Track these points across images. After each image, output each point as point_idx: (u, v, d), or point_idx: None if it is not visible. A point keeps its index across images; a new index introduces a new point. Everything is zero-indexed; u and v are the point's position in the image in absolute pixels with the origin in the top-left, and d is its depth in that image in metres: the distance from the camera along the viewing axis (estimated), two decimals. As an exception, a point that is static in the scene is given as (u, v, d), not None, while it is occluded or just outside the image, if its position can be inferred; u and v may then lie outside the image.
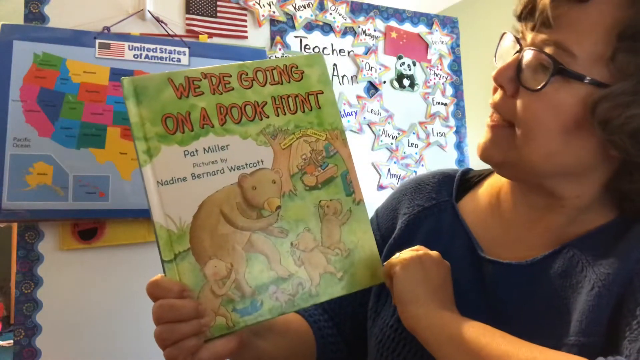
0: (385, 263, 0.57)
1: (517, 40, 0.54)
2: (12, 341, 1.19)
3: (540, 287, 0.53)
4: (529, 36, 0.53)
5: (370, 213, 0.62)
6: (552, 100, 0.50)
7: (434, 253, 0.57)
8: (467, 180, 0.69)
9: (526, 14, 0.54)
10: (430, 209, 0.66)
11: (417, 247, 0.58)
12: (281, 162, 0.55)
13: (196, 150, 0.52)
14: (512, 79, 0.53)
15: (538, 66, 0.51)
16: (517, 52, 0.53)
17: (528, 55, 0.52)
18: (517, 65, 0.53)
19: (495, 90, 0.56)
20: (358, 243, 0.58)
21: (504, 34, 0.57)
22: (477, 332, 0.47)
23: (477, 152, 0.58)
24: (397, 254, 0.57)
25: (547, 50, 0.50)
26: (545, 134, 0.51)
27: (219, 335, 0.51)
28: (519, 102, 0.52)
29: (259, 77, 0.56)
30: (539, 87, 0.50)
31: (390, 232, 0.69)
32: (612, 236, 0.52)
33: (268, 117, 0.55)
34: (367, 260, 0.58)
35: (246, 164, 0.54)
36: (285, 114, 0.56)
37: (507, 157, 0.54)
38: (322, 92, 0.58)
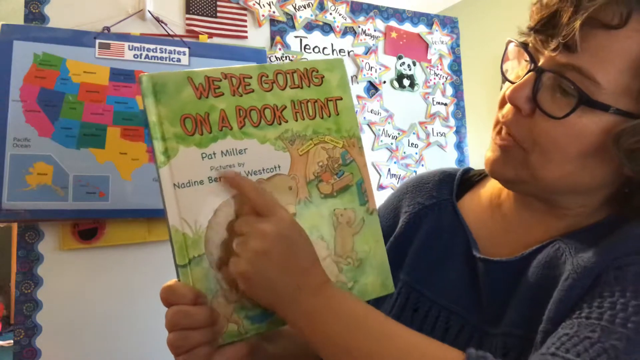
0: (232, 272, 0.49)
1: (530, 55, 0.52)
2: (12, 341, 1.19)
3: (525, 280, 0.53)
4: (545, 53, 0.50)
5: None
6: (573, 127, 0.48)
7: (264, 229, 0.48)
8: (468, 180, 0.69)
9: (541, 28, 0.51)
10: (431, 207, 0.67)
11: (242, 223, 0.49)
12: (298, 168, 0.54)
13: (214, 153, 0.51)
14: (528, 99, 0.51)
15: (557, 89, 0.49)
16: (531, 70, 0.51)
17: (547, 78, 0.50)
18: (533, 84, 0.50)
19: (502, 104, 0.55)
20: (369, 253, 0.57)
21: (509, 42, 0.55)
22: (346, 326, 0.46)
23: (486, 167, 0.57)
24: (235, 245, 0.49)
25: (569, 75, 0.48)
26: (563, 158, 0.50)
27: (231, 341, 0.50)
28: (536, 125, 0.51)
29: (279, 80, 0.54)
30: (562, 115, 0.48)
31: (392, 230, 0.69)
32: (600, 233, 0.52)
33: (287, 121, 0.54)
34: (378, 270, 0.58)
35: (263, 169, 0.53)
36: (304, 119, 0.55)
37: (518, 175, 0.53)
38: (341, 99, 0.57)
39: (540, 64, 0.51)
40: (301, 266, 0.49)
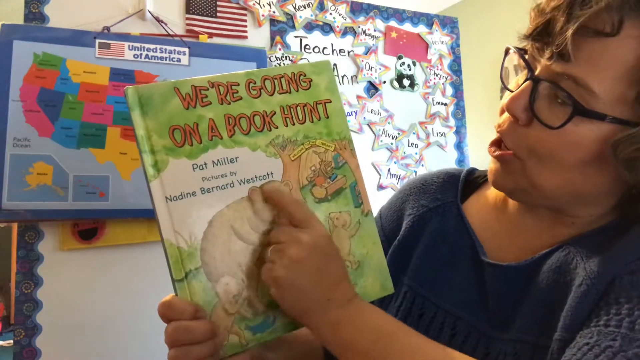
0: (264, 278, 0.51)
1: (527, 63, 0.51)
2: (12, 341, 1.19)
3: (535, 285, 0.53)
4: (542, 61, 0.50)
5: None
6: (570, 137, 0.48)
7: (303, 239, 0.49)
8: (472, 181, 0.69)
9: (536, 35, 0.50)
10: (435, 210, 0.66)
11: (282, 232, 0.51)
12: (291, 174, 0.54)
13: (205, 164, 0.50)
14: (525, 109, 0.50)
15: (554, 98, 0.49)
16: (528, 78, 0.51)
17: (544, 87, 0.49)
18: (529, 93, 0.50)
19: (501, 113, 0.54)
20: (367, 255, 0.57)
21: (507, 49, 0.54)
22: (370, 339, 0.47)
23: (489, 178, 0.57)
24: (268, 254, 0.50)
25: (564, 84, 0.47)
26: (561, 166, 0.49)
27: (233, 353, 0.50)
28: (533, 134, 0.50)
29: (267, 85, 0.54)
30: (558, 125, 0.47)
31: (395, 233, 0.68)
32: (609, 237, 0.51)
33: (277, 127, 0.54)
34: (376, 271, 0.57)
35: (256, 177, 0.52)
36: (294, 124, 0.54)
37: (518, 184, 0.53)
38: (330, 101, 0.57)
39: (537, 72, 0.50)
40: (333, 280, 0.50)
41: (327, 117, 0.56)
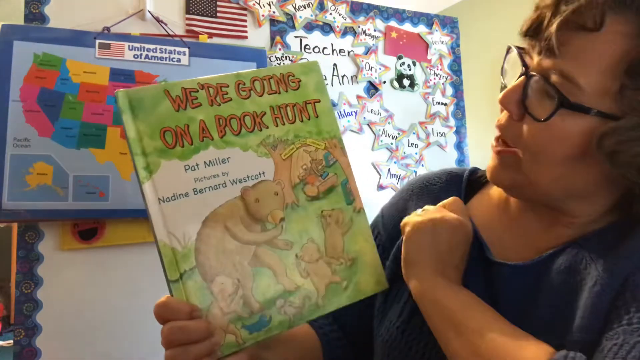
0: (403, 220, 0.59)
1: (522, 59, 0.53)
2: (12, 341, 1.19)
3: (545, 285, 0.53)
4: (535, 58, 0.52)
5: (372, 213, 0.62)
6: (557, 130, 0.49)
7: (452, 217, 0.57)
8: (475, 181, 0.69)
9: (531, 33, 0.52)
10: None
11: (438, 207, 0.59)
12: (282, 173, 0.55)
13: (197, 165, 0.51)
14: (518, 103, 0.52)
15: (544, 93, 0.50)
16: (522, 74, 0.52)
17: (534, 81, 0.51)
18: (522, 88, 0.51)
19: (502, 109, 0.56)
20: (360, 251, 0.58)
21: (509, 48, 0.56)
22: (460, 304, 0.51)
23: (487, 175, 0.58)
24: (418, 211, 0.59)
25: (553, 78, 0.49)
26: (551, 161, 0.50)
27: (230, 353, 0.50)
28: (525, 128, 0.51)
29: (257, 86, 0.55)
30: (544, 118, 0.49)
31: (399, 232, 0.68)
32: (616, 236, 0.52)
33: (267, 127, 0.55)
34: (370, 267, 0.58)
35: (248, 177, 0.53)
36: (284, 124, 0.55)
37: (515, 180, 0.54)
38: (319, 101, 0.58)
39: (530, 68, 0.52)
40: (454, 259, 0.56)
41: (317, 117, 0.58)
